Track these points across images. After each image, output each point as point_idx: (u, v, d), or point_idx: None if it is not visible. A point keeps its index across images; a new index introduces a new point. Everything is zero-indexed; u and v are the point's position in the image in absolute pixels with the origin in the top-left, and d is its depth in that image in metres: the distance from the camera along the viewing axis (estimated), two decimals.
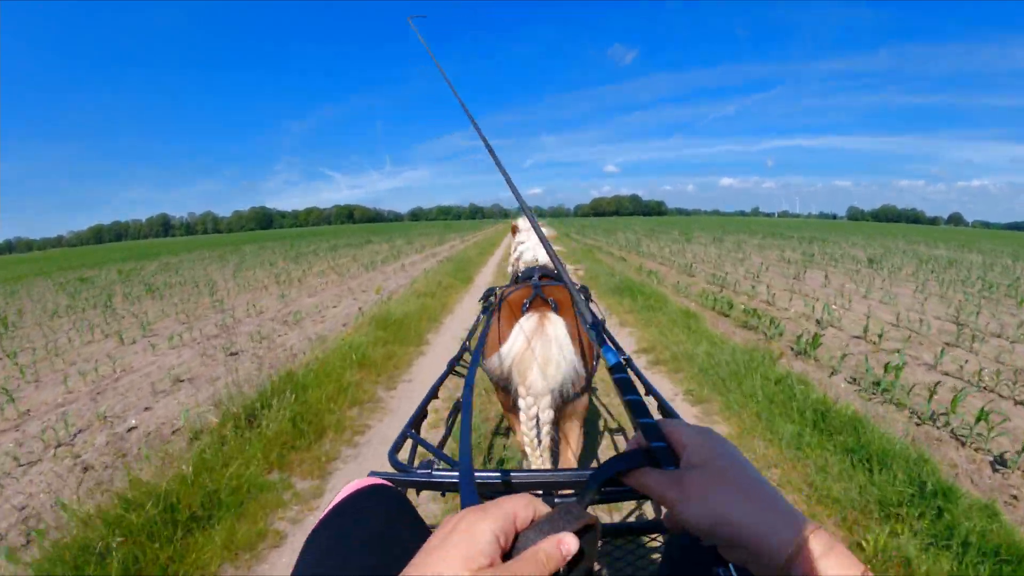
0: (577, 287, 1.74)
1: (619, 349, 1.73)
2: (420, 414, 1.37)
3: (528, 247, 2.62)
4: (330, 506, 0.73)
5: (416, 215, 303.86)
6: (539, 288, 1.93)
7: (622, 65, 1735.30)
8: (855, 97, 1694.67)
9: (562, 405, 1.76)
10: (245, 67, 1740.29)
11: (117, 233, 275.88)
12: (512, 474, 0.92)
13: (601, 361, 1.73)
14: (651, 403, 0.96)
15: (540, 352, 1.68)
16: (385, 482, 0.80)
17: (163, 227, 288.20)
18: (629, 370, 1.50)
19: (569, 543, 0.36)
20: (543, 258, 2.47)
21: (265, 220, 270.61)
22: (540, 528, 0.38)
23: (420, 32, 1.38)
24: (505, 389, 1.80)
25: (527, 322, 1.76)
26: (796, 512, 0.42)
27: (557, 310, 1.83)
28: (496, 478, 0.92)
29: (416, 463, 1.10)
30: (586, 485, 0.47)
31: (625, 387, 0.54)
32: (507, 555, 0.37)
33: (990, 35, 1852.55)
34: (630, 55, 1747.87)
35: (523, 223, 2.83)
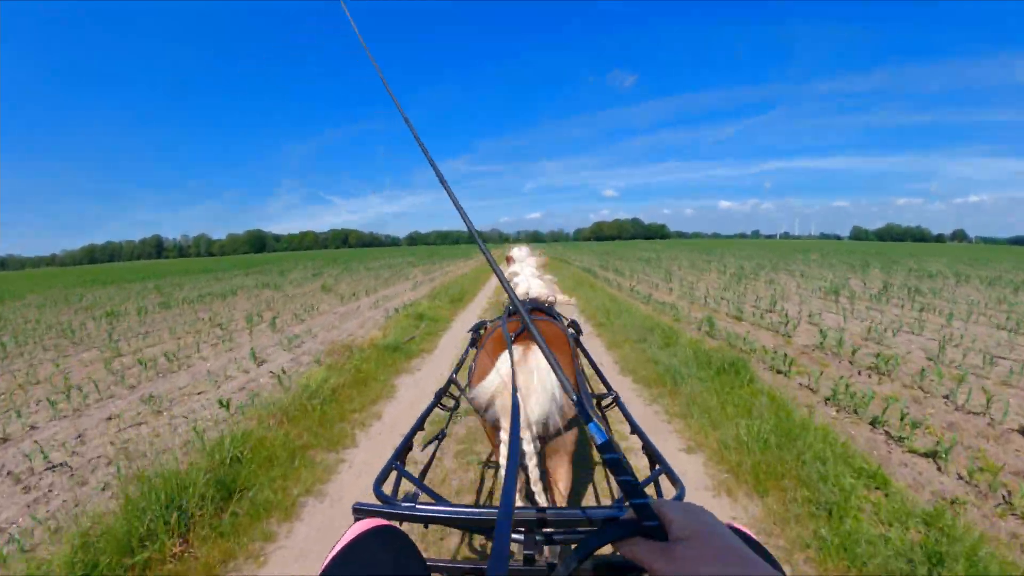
0: (567, 321, 2.47)
1: (608, 387, 2.14)
2: (406, 446, 1.48)
3: (521, 279, 2.71)
4: (337, 547, 0.75)
5: (414, 239, 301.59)
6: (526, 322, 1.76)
7: (620, 90, 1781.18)
8: (851, 118, 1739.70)
9: (548, 440, 1.78)
10: (248, 91, 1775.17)
11: (110, 254, 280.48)
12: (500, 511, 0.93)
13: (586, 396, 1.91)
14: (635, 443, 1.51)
15: (522, 384, 1.66)
16: (390, 523, 0.83)
17: (156, 248, 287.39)
18: (616, 406, 1.93)
19: None
20: (535, 291, 2.57)
21: (259, 243, 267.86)
22: None
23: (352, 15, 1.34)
24: (488, 421, 1.79)
25: (511, 355, 1.74)
26: None
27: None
28: (481, 514, 0.95)
29: (401, 494, 1.16)
30: (575, 551, 0.52)
31: (616, 468, 0.56)
32: None
33: (984, 52, 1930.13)
34: (629, 80, 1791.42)
35: (517, 253, 3.07)
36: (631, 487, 0.53)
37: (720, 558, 0.45)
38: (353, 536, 0.76)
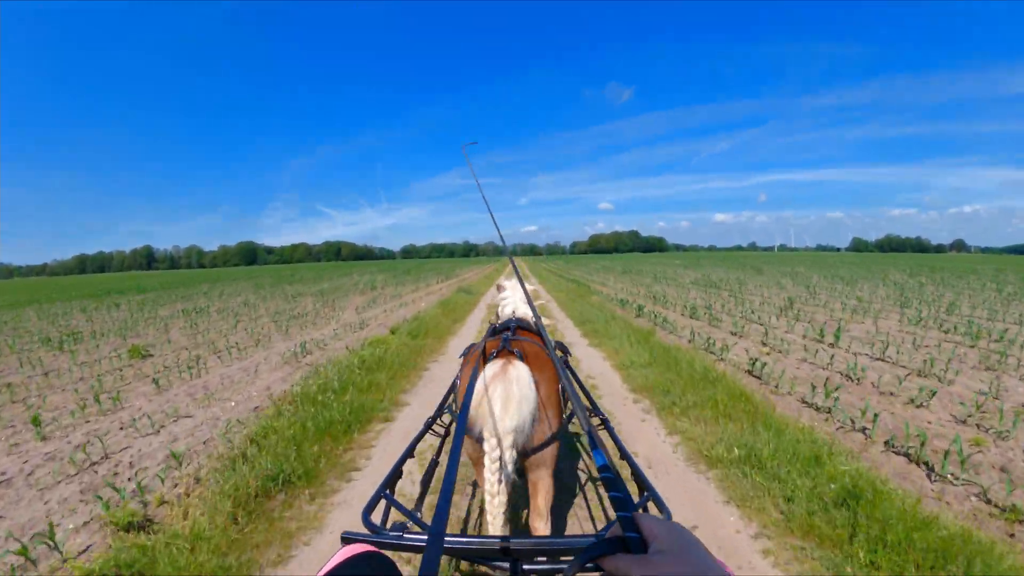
0: (553, 342, 2.16)
1: (596, 409, 2.26)
2: (395, 474, 1.46)
3: (508, 303, 2.92)
4: (323, 572, 0.74)
5: (409, 252, 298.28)
6: (507, 341, 2.03)
7: (617, 104, 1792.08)
8: (844, 130, 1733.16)
9: (528, 454, 1.81)
10: (245, 105, 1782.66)
11: (100, 264, 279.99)
12: (484, 540, 0.99)
13: (568, 415, 2.10)
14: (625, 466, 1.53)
15: (501, 393, 1.72)
16: (375, 549, 0.83)
17: (147, 259, 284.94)
18: (605, 430, 2.05)
19: None
20: (521, 312, 2.77)
21: (250, 255, 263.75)
22: None
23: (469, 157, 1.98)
24: (471, 436, 1.79)
25: (491, 368, 1.83)
26: None
27: (523, 358, 1.90)
28: (466, 543, 0.99)
29: (390, 523, 1.19)
30: (564, 573, 0.56)
31: (610, 485, 0.59)
32: None
33: (975, 64, 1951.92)
34: (626, 93, 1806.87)
35: (506, 283, 3.22)
36: (620, 502, 0.56)
37: (697, 572, 0.46)
38: (338, 562, 0.76)
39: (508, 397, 1.70)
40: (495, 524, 1.63)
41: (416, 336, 8.31)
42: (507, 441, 1.65)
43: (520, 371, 1.79)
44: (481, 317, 11.12)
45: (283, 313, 13.24)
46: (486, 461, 1.63)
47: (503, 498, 1.63)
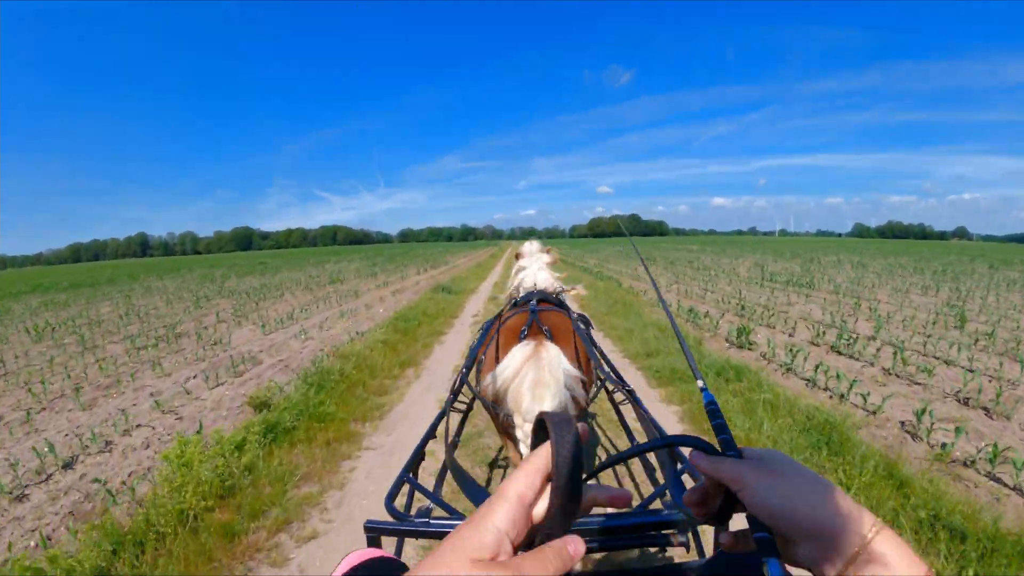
0: (575, 315, 2.23)
1: (622, 380, 1.99)
2: (417, 457, 1.38)
3: (529, 273, 2.68)
4: None
5: (406, 236, 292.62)
6: (536, 314, 1.96)
7: (616, 87, 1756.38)
8: (845, 116, 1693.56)
9: None
10: (241, 89, 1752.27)
11: (95, 252, 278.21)
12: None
13: (595, 390, 2.14)
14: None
15: (534, 377, 1.67)
16: (386, 554, 0.77)
17: (141, 246, 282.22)
18: (631, 401, 1.78)
19: (578, 546, 0.36)
20: (542, 283, 2.56)
21: (245, 241, 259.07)
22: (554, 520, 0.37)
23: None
24: (498, 413, 1.78)
25: (522, 349, 1.75)
26: (862, 510, 0.42)
27: (552, 337, 1.84)
28: None
29: (414, 508, 1.21)
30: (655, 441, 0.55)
31: (712, 415, 0.59)
32: (524, 547, 0.36)
33: (976, 52, 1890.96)
34: (625, 76, 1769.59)
35: (526, 248, 2.99)
36: (720, 427, 0.56)
37: (804, 481, 0.45)
38: (346, 569, 0.70)
39: (543, 384, 1.64)
40: None
41: (286, 432, 3.69)
42: None
43: (552, 354, 1.73)
44: (458, 352, 6.48)
45: (145, 334, 8.56)
46: (520, 448, 1.64)
47: None
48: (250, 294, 14.00)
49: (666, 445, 0.55)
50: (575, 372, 1.74)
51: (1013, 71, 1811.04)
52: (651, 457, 1.69)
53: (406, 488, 1.25)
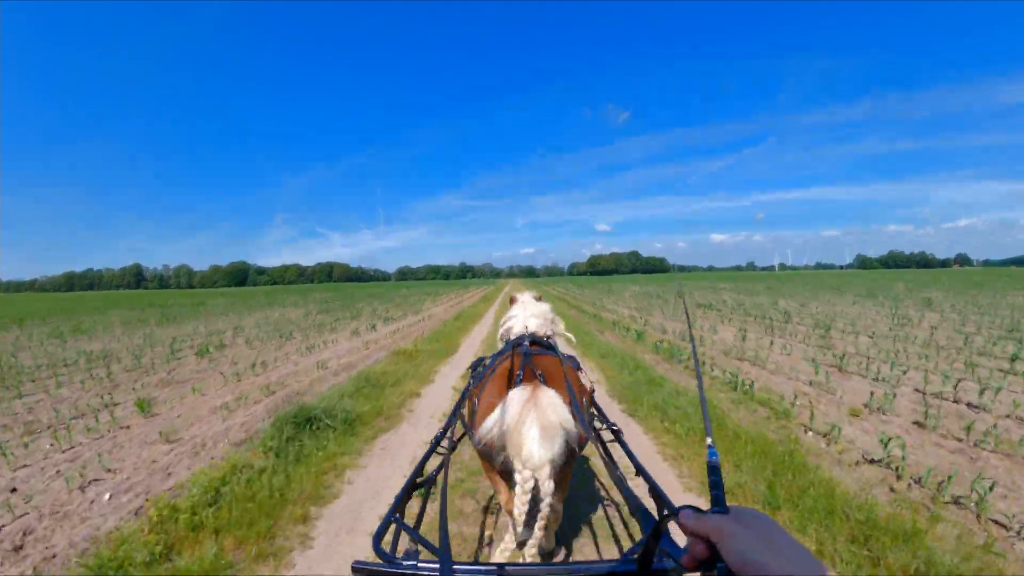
0: (564, 356, 2.29)
1: (607, 421, 2.22)
2: (404, 497, 1.42)
3: (518, 318, 2.77)
4: None
5: (404, 274, 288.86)
6: (528, 357, 1.99)
7: (614, 125, 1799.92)
8: (836, 148, 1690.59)
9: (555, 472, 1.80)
10: (243, 123, 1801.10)
11: (89, 282, 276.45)
12: (506, 568, 0.95)
13: (592, 430, 2.05)
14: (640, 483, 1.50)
15: (537, 422, 1.66)
16: None
17: (136, 277, 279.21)
18: (618, 441, 1.99)
19: None
20: (532, 326, 2.66)
21: (240, 276, 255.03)
22: None
23: None
24: (491, 458, 1.81)
25: (518, 394, 1.76)
26: (822, 567, 0.48)
27: (545, 381, 1.87)
28: (489, 572, 0.94)
29: (402, 550, 1.20)
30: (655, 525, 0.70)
31: (713, 485, 0.65)
32: None
33: (965, 78, 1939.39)
34: (623, 115, 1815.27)
35: (520, 296, 3.15)
36: (715, 484, 0.63)
37: (772, 540, 0.50)
38: None
39: (544, 427, 1.65)
40: (530, 552, 1.58)
41: None
42: (544, 472, 1.60)
43: (551, 398, 1.75)
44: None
45: None
46: (518, 492, 1.60)
47: (550, 528, 1.74)
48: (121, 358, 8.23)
49: (668, 516, 0.68)
50: (572, 417, 1.73)
51: (1002, 94, 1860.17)
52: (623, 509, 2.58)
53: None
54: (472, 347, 9.86)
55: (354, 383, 6.19)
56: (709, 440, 0.73)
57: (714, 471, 0.65)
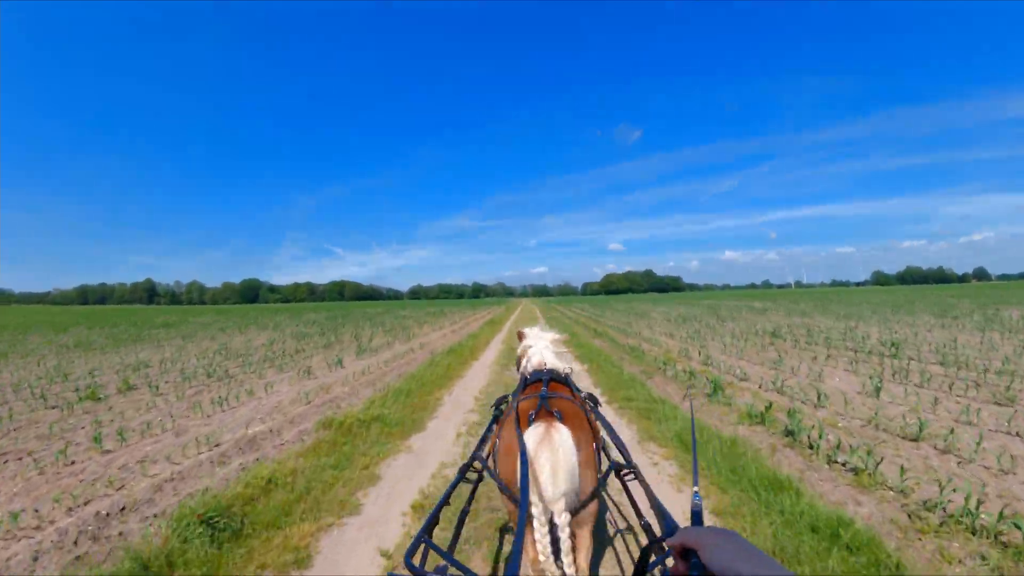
0: (583, 395, 2.45)
1: (628, 459, 2.18)
2: (433, 520, 1.56)
3: (536, 351, 2.83)
4: None
5: (416, 293, 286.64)
6: (545, 399, 2.04)
7: (626, 145, 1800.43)
8: (846, 164, 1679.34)
9: (576, 512, 1.82)
10: (256, 142, 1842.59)
11: (101, 295, 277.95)
12: None
13: (606, 470, 2.18)
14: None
15: (548, 460, 1.72)
16: None
17: (148, 293, 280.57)
18: (637, 478, 2.00)
19: None
20: (551, 361, 2.69)
21: (251, 293, 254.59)
22: None
23: None
24: (511, 495, 1.84)
25: (533, 432, 1.83)
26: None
27: (562, 419, 1.92)
28: None
29: (430, 564, 1.37)
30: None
31: (695, 517, 0.82)
32: None
33: (974, 91, 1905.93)
34: (635, 134, 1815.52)
35: (528, 331, 3.22)
36: (696, 515, 0.81)
37: (751, 555, 0.58)
38: None
39: (556, 465, 1.71)
40: None
41: None
42: (559, 506, 1.67)
43: (564, 436, 1.81)
44: None
45: None
46: (535, 525, 1.64)
47: (567, 558, 1.69)
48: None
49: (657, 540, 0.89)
50: (581, 457, 1.81)
51: (1007, 107, 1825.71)
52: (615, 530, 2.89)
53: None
54: (459, 408, 6.45)
55: (176, 522, 2.80)
56: (696, 488, 0.93)
57: (696, 516, 0.83)
